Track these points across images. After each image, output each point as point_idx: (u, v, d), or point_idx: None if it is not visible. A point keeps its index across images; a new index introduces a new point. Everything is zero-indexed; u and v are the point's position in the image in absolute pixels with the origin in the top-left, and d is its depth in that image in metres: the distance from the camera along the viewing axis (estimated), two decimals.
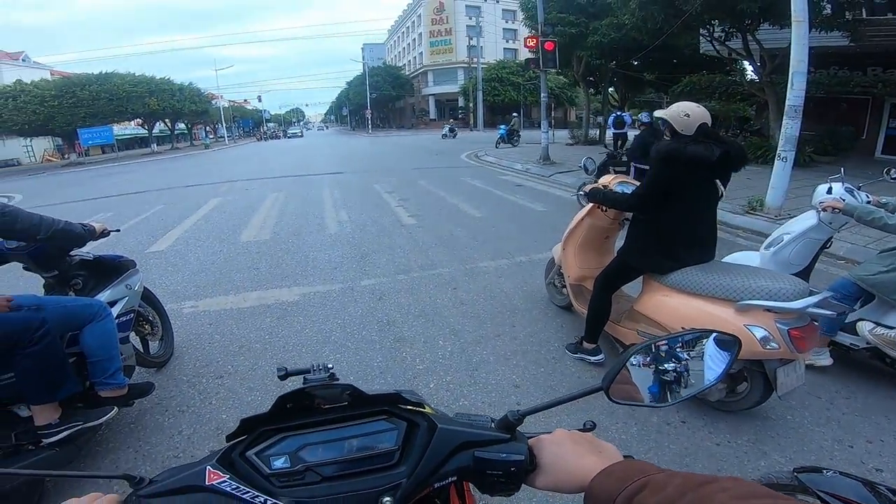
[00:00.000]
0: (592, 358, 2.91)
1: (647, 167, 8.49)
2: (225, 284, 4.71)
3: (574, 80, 22.99)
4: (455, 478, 0.62)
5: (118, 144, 34.89)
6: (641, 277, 2.67)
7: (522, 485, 0.63)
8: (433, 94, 52.11)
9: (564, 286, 3.47)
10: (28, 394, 1.88)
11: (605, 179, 3.11)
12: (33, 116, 27.23)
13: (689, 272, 2.35)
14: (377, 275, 4.80)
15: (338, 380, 0.71)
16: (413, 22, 56.38)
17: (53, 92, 27.96)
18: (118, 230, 2.79)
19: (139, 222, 8.00)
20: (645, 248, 2.50)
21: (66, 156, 34.99)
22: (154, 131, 36.73)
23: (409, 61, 58.80)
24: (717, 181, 2.34)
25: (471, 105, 41.22)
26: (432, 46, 50.75)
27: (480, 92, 39.50)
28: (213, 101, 43.53)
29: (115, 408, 2.17)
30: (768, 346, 2.08)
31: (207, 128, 52.38)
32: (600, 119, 19.85)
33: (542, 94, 13.06)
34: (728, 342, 0.72)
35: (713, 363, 0.70)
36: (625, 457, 0.60)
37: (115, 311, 2.39)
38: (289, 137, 53.85)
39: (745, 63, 13.58)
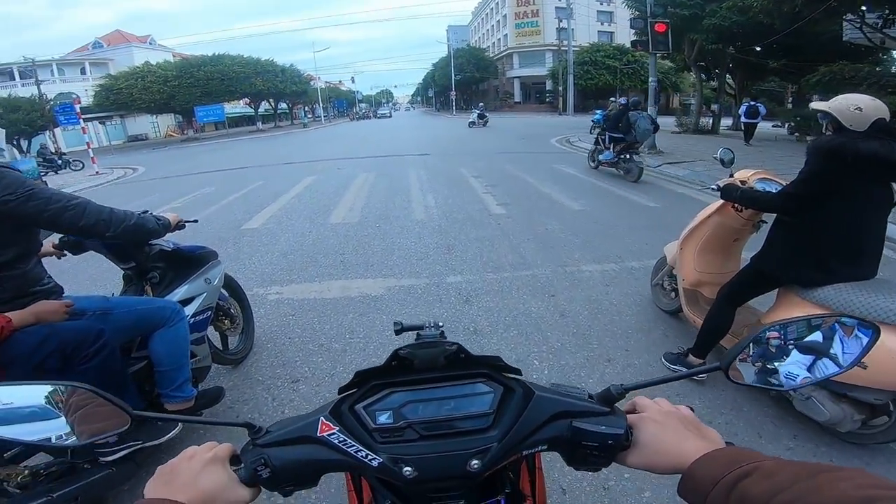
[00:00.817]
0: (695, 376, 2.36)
1: (620, 135, 8.03)
2: (311, 269, 4.52)
3: (683, 65, 20.62)
4: (546, 447, 0.61)
5: (228, 122, 38.03)
6: (776, 290, 2.32)
7: (607, 462, 0.60)
8: (518, 77, 50.32)
9: (675, 290, 3.07)
10: None
11: (744, 174, 2.60)
12: (157, 95, 30.24)
13: (843, 289, 2.00)
14: (464, 271, 4.33)
15: (447, 338, 0.71)
16: (497, 3, 54.52)
17: (174, 72, 30.80)
18: (196, 221, 2.51)
19: (238, 198, 8.27)
20: (789, 255, 2.15)
21: (184, 132, 38.68)
22: (259, 111, 39.33)
23: (494, 43, 57.26)
24: (894, 185, 1.99)
25: (560, 89, 39.07)
26: (518, 28, 48.81)
27: (571, 76, 37.30)
28: (311, 83, 45.53)
29: (180, 424, 1.93)
30: None
31: (306, 108, 55.23)
32: (714, 107, 17.62)
33: (650, 79, 11.78)
34: (865, 331, 0.63)
35: (844, 352, 0.63)
36: (727, 443, 0.56)
37: (191, 308, 2.20)
38: (378, 118, 55.27)
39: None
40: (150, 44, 46.05)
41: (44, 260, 1.84)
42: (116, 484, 1.77)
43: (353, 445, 0.58)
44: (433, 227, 5.82)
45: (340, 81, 76.84)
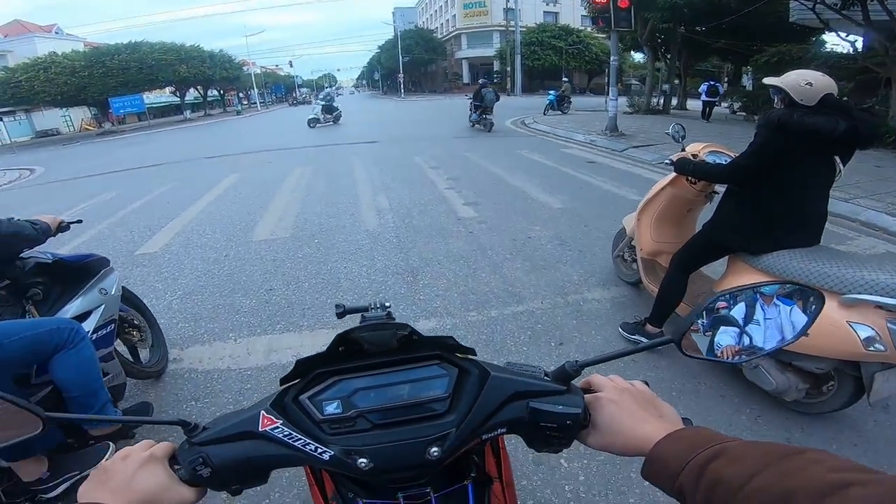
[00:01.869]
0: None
1: (479, 103, 12.45)
2: (225, 317, 3.20)
3: (632, 45, 20.15)
4: (505, 430, 0.58)
5: (153, 112, 34.31)
6: (726, 258, 2.35)
7: (571, 442, 0.57)
8: (467, 58, 48.78)
9: (635, 260, 3.09)
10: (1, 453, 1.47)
11: (695, 147, 2.65)
12: (65, 87, 26.44)
13: (787, 255, 2.02)
14: (438, 310, 3.18)
15: (394, 319, 0.71)
16: None
17: (83, 62, 27.04)
18: (80, 221, 2.30)
19: (140, 207, 6.59)
20: (738, 224, 2.18)
21: (101, 125, 34.61)
22: (188, 99, 35.68)
23: (442, 24, 55.16)
24: (837, 159, 1.97)
25: (508, 69, 38.10)
26: (466, 9, 47.09)
27: (519, 56, 36.46)
28: (245, 68, 41.83)
29: (112, 444, 1.79)
30: (872, 348, 1.73)
31: (240, 94, 50.96)
32: (665, 87, 17.26)
33: (612, 58, 10.88)
34: (810, 299, 0.61)
35: (791, 320, 0.62)
36: (683, 419, 0.55)
37: (90, 323, 1.92)
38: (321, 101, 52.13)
39: (837, 35, 10.88)
40: (57, 33, 40.63)
41: None
42: None
43: (301, 439, 0.53)
44: (389, 240, 4.58)
45: (278, 66, 71.68)
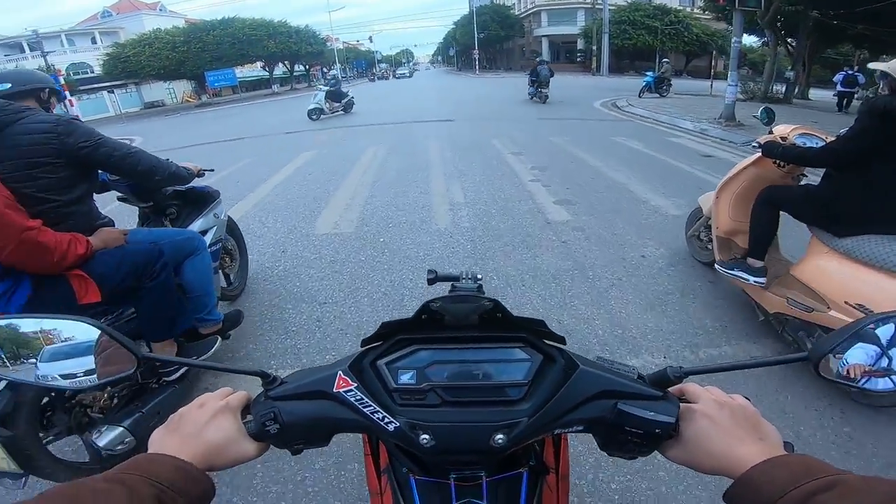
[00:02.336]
0: (752, 279, 2.39)
1: (534, 78, 13.91)
2: (268, 339, 2.65)
3: (747, 27, 17.36)
4: (582, 428, 0.53)
5: (245, 86, 36.10)
6: (809, 241, 2.24)
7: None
8: (547, 36, 45.92)
9: (711, 241, 2.93)
10: (149, 330, 1.84)
11: (784, 129, 2.50)
12: (167, 62, 28.29)
13: (876, 240, 1.92)
14: None
15: (484, 293, 0.66)
16: None
17: (182, 38, 28.69)
18: (213, 170, 2.70)
19: (215, 182, 6.38)
20: (830, 202, 2.08)
21: (200, 97, 36.96)
22: (276, 73, 36.97)
23: (520, 0, 52.32)
24: None
25: (594, 48, 35.23)
26: None
27: (607, 35, 33.49)
28: (329, 44, 42.55)
29: (220, 338, 2.15)
30: None
31: (324, 69, 52.31)
32: (790, 74, 14.67)
33: (734, 39, 9.21)
34: None
35: None
36: (785, 444, 0.49)
37: (207, 239, 2.31)
38: (397, 78, 52.12)
39: None
40: (161, 10, 43.82)
41: None
42: (181, 397, 1.91)
43: (370, 405, 0.52)
44: (463, 245, 3.83)
45: (359, 41, 72.64)
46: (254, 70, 42.63)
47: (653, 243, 3.69)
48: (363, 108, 15.61)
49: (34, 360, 0.54)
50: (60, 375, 0.54)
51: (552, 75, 13.94)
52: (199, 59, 28.91)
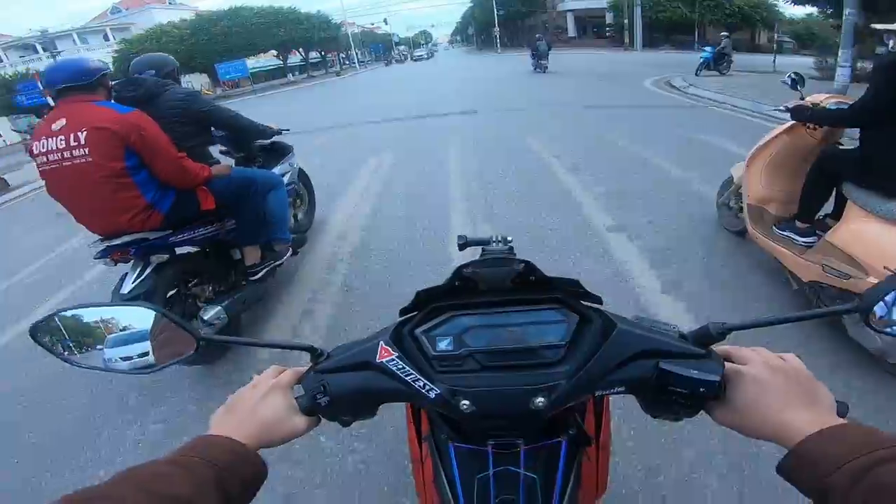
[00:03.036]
0: (801, 239, 2.39)
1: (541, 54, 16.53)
2: None
3: None
4: (624, 389, 0.51)
5: (262, 76, 34.71)
6: (847, 207, 2.16)
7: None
8: (572, 10, 42.59)
9: (742, 209, 2.82)
10: (244, 235, 2.48)
11: (818, 97, 2.51)
12: (175, 56, 26.67)
13: None
14: None
15: (515, 255, 0.65)
16: None
17: (189, 31, 27.33)
18: (288, 129, 3.21)
19: None
20: (870, 161, 2.06)
21: (215, 90, 35.83)
22: (292, 61, 35.43)
23: None
24: None
25: (626, 22, 32.11)
26: None
27: (639, 7, 30.36)
28: (343, 28, 40.51)
29: (290, 250, 2.78)
30: None
31: (341, 55, 50.26)
32: (882, 49, 11.97)
33: (846, 10, 6.99)
34: None
35: None
36: (838, 404, 0.47)
37: (285, 179, 3.03)
38: (415, 60, 50.21)
39: None
40: (170, 3, 42.61)
41: None
42: (261, 293, 2.60)
43: (412, 374, 0.52)
44: None
45: (374, 24, 69.68)
46: (269, 59, 41.18)
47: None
48: (370, 101, 13.70)
49: (101, 347, 0.56)
50: (121, 358, 0.57)
51: (550, 48, 16.55)
52: (208, 51, 27.53)
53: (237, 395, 0.54)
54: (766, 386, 0.46)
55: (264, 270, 2.50)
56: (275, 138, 3.09)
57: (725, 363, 0.50)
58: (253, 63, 44.85)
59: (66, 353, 0.56)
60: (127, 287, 1.96)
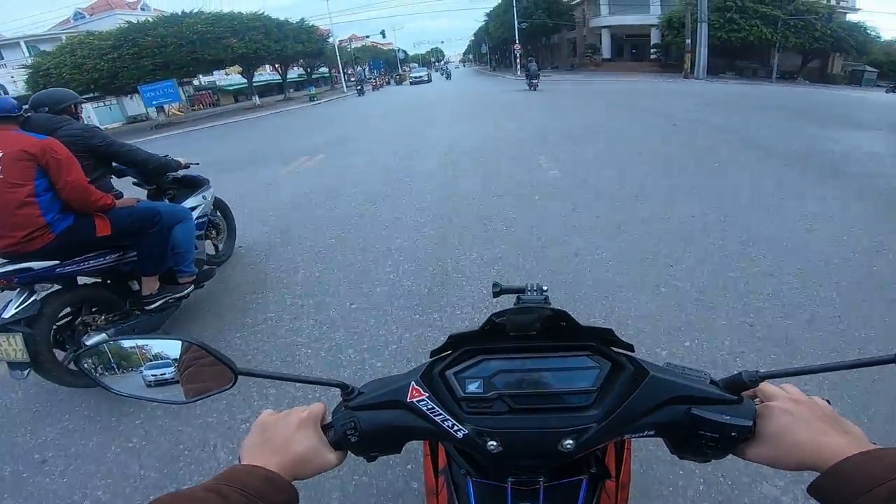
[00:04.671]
0: None
1: (532, 74, 19.51)
2: None
3: None
4: (653, 432, 0.51)
5: (235, 95, 27.85)
6: None
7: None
8: (608, 27, 35.16)
9: None
10: (144, 266, 2.46)
11: None
12: (95, 73, 19.80)
13: None
14: None
15: (550, 304, 0.63)
16: None
17: (111, 42, 20.03)
18: (198, 163, 3.24)
19: None
20: None
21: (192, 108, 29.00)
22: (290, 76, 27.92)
23: None
24: None
25: (687, 43, 24.54)
26: None
27: (706, 24, 22.94)
28: (330, 40, 33.28)
29: (192, 286, 2.72)
30: None
31: (334, 71, 42.96)
32: None
33: None
34: None
35: None
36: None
37: (195, 213, 2.97)
38: (412, 83, 38.89)
39: None
40: (143, 9, 35.66)
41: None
42: (157, 323, 2.51)
43: (441, 414, 0.52)
44: None
45: (368, 37, 61.03)
46: (268, 74, 34.03)
47: None
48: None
49: (138, 370, 0.56)
50: (155, 381, 0.56)
51: (539, 70, 20.14)
52: (136, 67, 20.28)
53: (270, 424, 0.53)
54: (797, 415, 0.46)
55: (160, 301, 2.51)
56: (187, 172, 3.14)
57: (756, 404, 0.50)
58: (227, 80, 37.49)
59: (105, 378, 0.56)
60: (9, 312, 1.96)
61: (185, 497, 0.41)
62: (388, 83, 39.29)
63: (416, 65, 60.96)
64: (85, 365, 0.55)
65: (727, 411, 0.48)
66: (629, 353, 0.54)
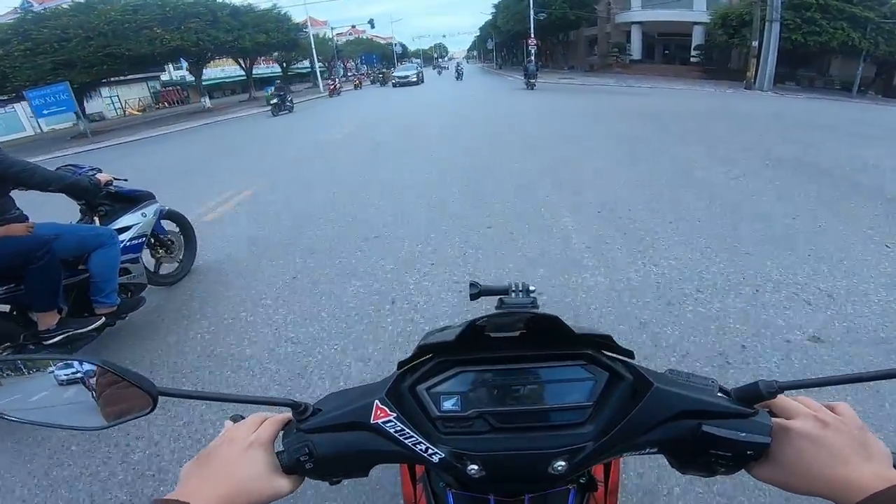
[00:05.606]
0: None
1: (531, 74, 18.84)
2: None
3: None
4: (656, 450, 0.46)
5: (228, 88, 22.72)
6: None
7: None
8: (639, 23, 29.78)
9: None
10: (34, 302, 2.20)
11: None
12: None
13: None
14: None
15: (538, 307, 0.56)
16: None
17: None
18: (125, 180, 2.91)
19: None
20: None
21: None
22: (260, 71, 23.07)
23: None
24: None
25: (753, 45, 19.27)
26: None
27: (777, 24, 17.77)
28: (305, 29, 27.79)
29: (103, 319, 2.40)
30: None
31: (346, 65, 37.04)
32: None
33: None
34: None
35: None
36: (894, 455, 0.42)
37: (127, 235, 2.65)
38: (396, 85, 30.86)
39: None
40: None
41: (16, 195, 2.26)
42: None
43: (412, 437, 0.46)
44: None
45: (367, 34, 53.32)
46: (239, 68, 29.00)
47: None
48: None
49: (41, 395, 0.51)
50: (64, 406, 0.50)
51: (538, 70, 20.26)
52: (31, 66, 15.24)
53: (210, 451, 0.47)
54: (818, 441, 0.42)
55: (60, 336, 2.26)
56: (121, 186, 2.82)
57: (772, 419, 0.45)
58: (217, 74, 32.29)
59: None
60: None
61: None
62: (361, 84, 30.86)
63: (418, 60, 55.16)
64: None
65: (742, 426, 0.43)
66: (629, 360, 0.49)
